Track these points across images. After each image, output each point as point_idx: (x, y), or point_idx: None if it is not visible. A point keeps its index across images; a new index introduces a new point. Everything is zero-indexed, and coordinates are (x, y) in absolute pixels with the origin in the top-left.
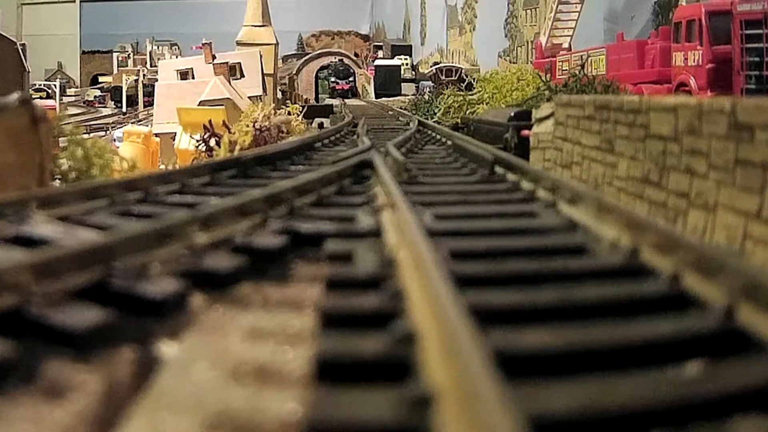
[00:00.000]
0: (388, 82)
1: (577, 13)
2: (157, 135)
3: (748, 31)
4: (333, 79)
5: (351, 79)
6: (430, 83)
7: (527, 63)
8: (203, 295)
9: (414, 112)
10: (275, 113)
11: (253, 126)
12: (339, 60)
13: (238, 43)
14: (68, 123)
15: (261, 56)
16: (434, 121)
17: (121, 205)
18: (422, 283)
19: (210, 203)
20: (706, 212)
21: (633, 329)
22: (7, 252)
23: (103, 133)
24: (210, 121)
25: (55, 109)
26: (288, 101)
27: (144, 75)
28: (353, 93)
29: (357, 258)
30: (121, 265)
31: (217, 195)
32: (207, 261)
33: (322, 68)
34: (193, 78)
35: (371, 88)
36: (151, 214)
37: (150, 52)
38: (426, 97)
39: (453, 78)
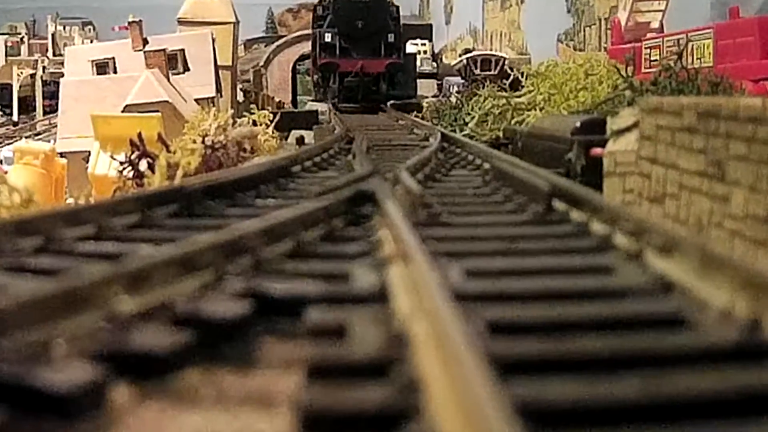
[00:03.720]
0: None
1: None
2: (62, 155)
3: None
4: (329, 38)
5: (392, 40)
6: (458, 80)
7: (599, 50)
8: (130, 386)
9: (436, 121)
10: (234, 123)
11: (203, 142)
12: None
13: (181, 22)
14: None
15: (213, 41)
16: (465, 135)
17: (12, 256)
18: (447, 370)
19: (140, 254)
20: None
21: None
22: None
23: None
24: (139, 135)
25: None
26: (253, 106)
27: (44, 68)
28: (396, 87)
29: (352, 333)
30: (10, 344)
31: (151, 242)
32: (136, 337)
33: (303, 58)
34: (114, 72)
35: None
36: (54, 270)
37: (53, 35)
38: (453, 99)
39: (492, 72)
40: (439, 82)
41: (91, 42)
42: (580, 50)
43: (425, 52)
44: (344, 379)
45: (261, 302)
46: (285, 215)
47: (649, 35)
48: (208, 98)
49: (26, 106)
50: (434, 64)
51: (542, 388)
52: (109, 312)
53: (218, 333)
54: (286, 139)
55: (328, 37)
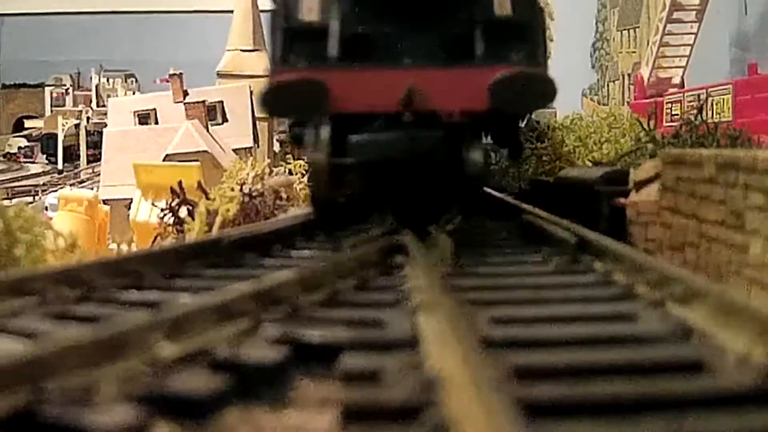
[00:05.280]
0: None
1: (692, 36)
2: (105, 202)
3: None
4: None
5: (507, 11)
6: None
7: (623, 104)
8: (170, 427)
9: None
10: (271, 172)
11: (241, 190)
12: None
13: (220, 75)
14: None
15: (251, 93)
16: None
17: (56, 303)
18: (476, 413)
19: (180, 302)
20: None
21: None
22: None
23: (30, 198)
24: (180, 183)
25: None
26: (289, 155)
27: (88, 118)
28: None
29: (385, 377)
30: (55, 387)
31: (190, 291)
32: (176, 381)
33: None
34: (156, 123)
35: None
36: (97, 317)
37: (96, 87)
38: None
39: None
40: None
41: (134, 93)
42: (604, 104)
43: None
44: (377, 420)
45: (297, 348)
46: (319, 265)
47: (670, 90)
48: (245, 148)
49: (71, 154)
50: None
51: (567, 430)
52: (150, 357)
53: (256, 377)
54: None
55: (309, 7)
